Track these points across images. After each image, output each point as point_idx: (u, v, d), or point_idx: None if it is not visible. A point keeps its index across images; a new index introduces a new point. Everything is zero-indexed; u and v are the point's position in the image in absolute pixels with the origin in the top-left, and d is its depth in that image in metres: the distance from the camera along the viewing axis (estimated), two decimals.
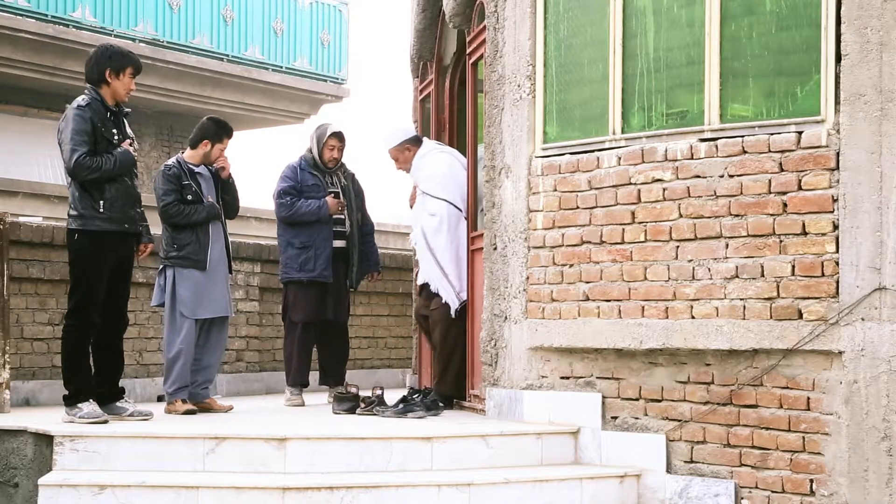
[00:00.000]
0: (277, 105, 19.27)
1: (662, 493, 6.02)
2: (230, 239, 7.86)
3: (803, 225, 5.57)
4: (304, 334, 8.14)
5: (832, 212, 5.49)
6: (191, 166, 7.56)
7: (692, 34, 6.03)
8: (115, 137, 6.54)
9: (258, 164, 33.74)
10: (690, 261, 5.92)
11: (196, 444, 5.95)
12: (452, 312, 7.58)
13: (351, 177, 8.38)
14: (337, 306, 8.18)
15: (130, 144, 6.61)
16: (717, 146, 5.86)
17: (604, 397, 6.33)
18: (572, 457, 6.41)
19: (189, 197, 7.44)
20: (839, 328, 5.44)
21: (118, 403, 6.70)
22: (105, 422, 6.36)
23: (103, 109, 6.52)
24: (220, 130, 7.64)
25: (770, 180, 5.67)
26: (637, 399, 6.20)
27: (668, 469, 6.05)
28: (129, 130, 6.74)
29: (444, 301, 7.57)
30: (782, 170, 5.65)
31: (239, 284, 9.83)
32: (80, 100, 6.52)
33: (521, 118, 6.74)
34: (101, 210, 6.45)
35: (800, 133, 5.61)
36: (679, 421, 6.02)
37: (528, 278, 6.67)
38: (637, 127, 6.24)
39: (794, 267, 5.59)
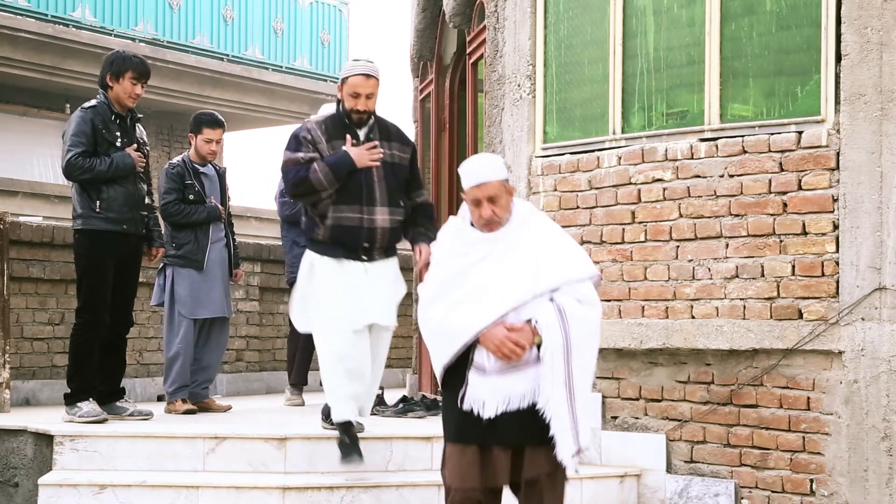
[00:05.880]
0: (277, 105, 19.27)
1: (662, 493, 6.02)
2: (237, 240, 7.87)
3: (803, 225, 5.57)
4: (309, 334, 8.12)
5: (832, 212, 5.49)
6: (196, 166, 7.61)
7: (692, 34, 6.04)
8: (119, 141, 6.56)
9: (258, 164, 33.80)
10: (690, 261, 5.92)
11: (196, 443, 5.95)
12: (571, 471, 4.43)
13: None
14: None
15: (137, 149, 6.62)
16: (717, 146, 5.86)
17: (604, 397, 6.33)
18: None
19: (191, 196, 7.48)
20: (839, 328, 5.44)
21: (118, 403, 6.71)
22: (104, 421, 6.36)
23: (109, 112, 6.56)
24: (195, 122, 7.72)
25: (770, 180, 5.67)
26: (637, 399, 6.21)
27: (669, 469, 6.05)
28: (139, 136, 6.75)
29: (555, 454, 4.34)
30: (782, 170, 5.65)
31: (239, 284, 9.83)
32: (89, 101, 6.58)
33: (521, 118, 6.74)
34: (98, 210, 6.47)
35: (800, 133, 5.62)
36: (679, 421, 6.02)
37: None
38: (637, 127, 6.25)
39: (794, 267, 5.59)
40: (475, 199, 4.51)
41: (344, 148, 5.79)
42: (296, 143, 5.87)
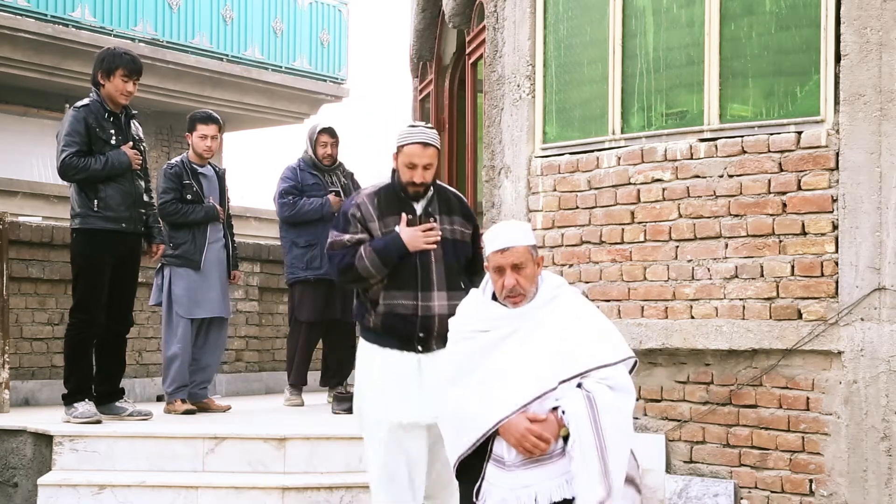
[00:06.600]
0: (277, 105, 19.27)
1: (662, 493, 6.02)
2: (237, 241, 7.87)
3: (803, 225, 5.57)
4: (309, 334, 8.12)
5: (832, 212, 5.49)
6: (194, 166, 7.61)
7: (692, 34, 6.04)
8: (113, 139, 6.55)
9: (258, 164, 33.80)
10: (690, 261, 5.92)
11: (196, 443, 5.96)
12: None
13: (350, 175, 8.36)
14: (344, 305, 8.05)
15: (133, 147, 6.62)
16: (716, 146, 5.86)
17: None
18: None
19: (189, 196, 7.47)
20: (838, 328, 5.44)
21: (117, 403, 6.71)
22: (98, 422, 6.35)
23: (102, 111, 6.54)
24: (190, 120, 7.73)
25: (769, 180, 5.67)
26: (636, 399, 6.19)
27: (668, 469, 6.04)
28: (135, 133, 6.75)
29: None
30: (782, 170, 5.65)
31: (238, 284, 9.83)
32: (82, 100, 6.58)
33: (520, 118, 6.74)
34: (96, 209, 6.47)
35: (799, 133, 5.62)
36: (679, 421, 6.02)
37: None
38: (636, 127, 6.25)
39: (793, 267, 5.59)
40: (498, 266, 4.07)
41: (396, 229, 5.02)
42: (343, 221, 5.09)
